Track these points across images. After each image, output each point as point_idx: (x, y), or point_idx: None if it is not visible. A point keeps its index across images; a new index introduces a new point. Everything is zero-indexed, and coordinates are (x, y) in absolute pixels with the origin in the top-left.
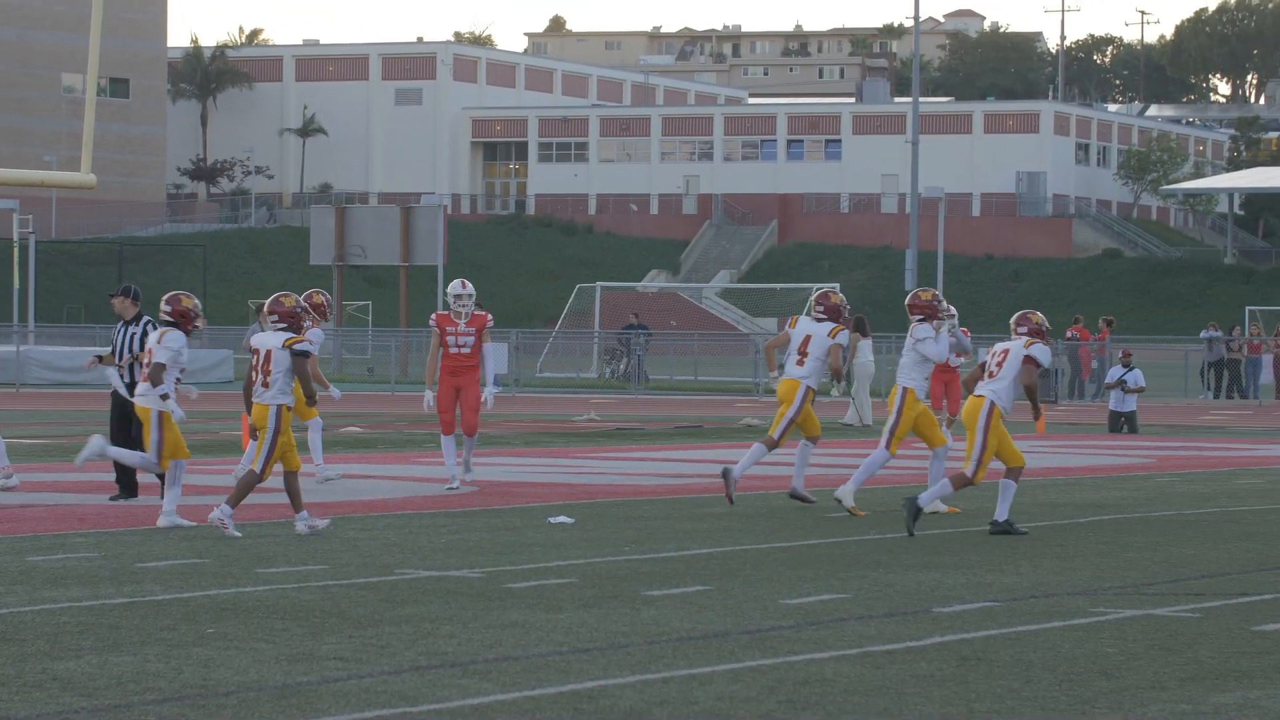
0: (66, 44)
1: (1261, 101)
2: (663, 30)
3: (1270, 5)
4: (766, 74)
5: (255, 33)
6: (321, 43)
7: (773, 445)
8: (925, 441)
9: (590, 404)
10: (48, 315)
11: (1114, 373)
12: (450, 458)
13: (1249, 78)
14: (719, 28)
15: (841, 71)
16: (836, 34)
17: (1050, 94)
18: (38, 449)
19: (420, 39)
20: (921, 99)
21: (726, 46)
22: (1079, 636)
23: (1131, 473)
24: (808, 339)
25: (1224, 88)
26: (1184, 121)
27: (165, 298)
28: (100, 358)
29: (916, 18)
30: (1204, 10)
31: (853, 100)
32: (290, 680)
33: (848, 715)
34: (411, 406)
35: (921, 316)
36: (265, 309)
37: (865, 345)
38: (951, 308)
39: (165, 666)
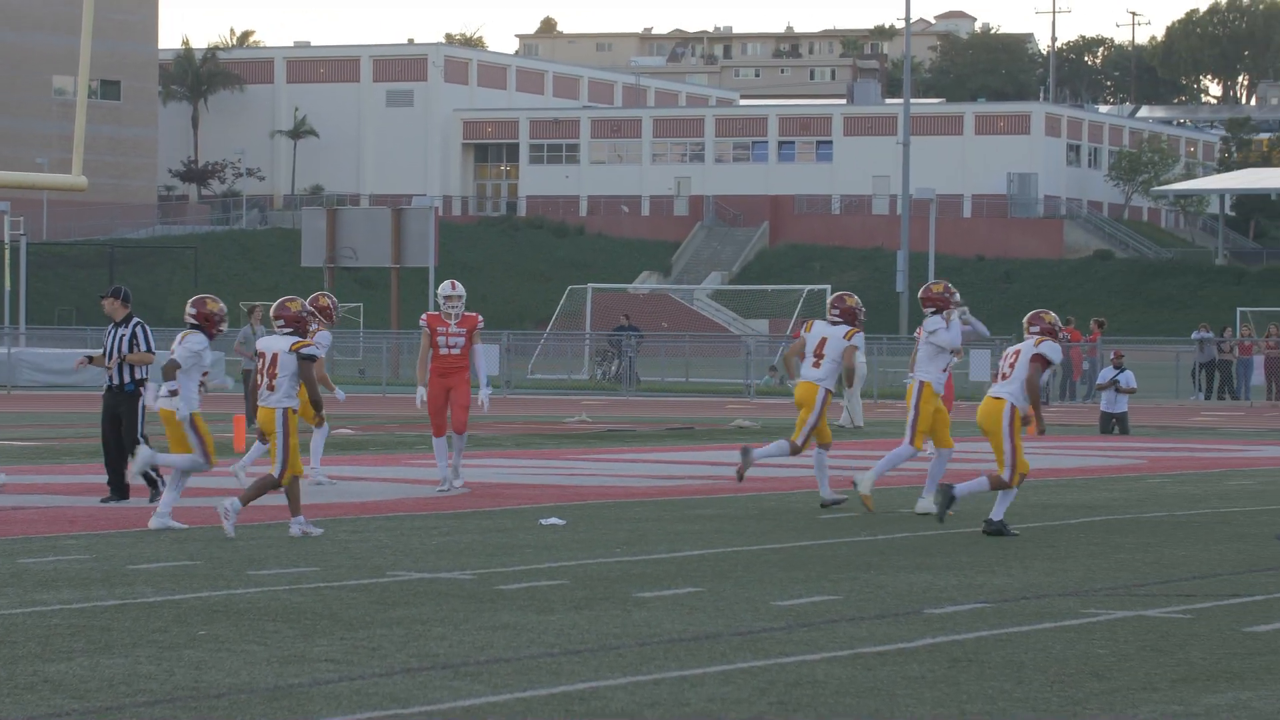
0: (57, 46)
1: (1252, 102)
2: (654, 32)
3: (1261, 6)
4: (758, 75)
5: (246, 34)
6: (312, 44)
7: (796, 450)
8: (933, 439)
9: (581, 405)
10: (38, 317)
11: (1106, 374)
12: (442, 460)
13: (1240, 79)
14: (710, 29)
15: (833, 73)
16: (827, 35)
17: (1041, 95)
18: (28, 451)
19: (411, 41)
20: (913, 100)
21: (718, 48)
22: (1070, 638)
23: (1123, 474)
24: (823, 341)
25: (1215, 89)
26: (1175, 123)
27: (191, 300)
28: (90, 358)
29: (908, 19)
30: (1195, 11)
31: (844, 101)
32: (282, 682)
33: (839, 717)
34: (403, 408)
35: (934, 309)
36: (271, 313)
37: None
38: (958, 294)
39: (157, 668)
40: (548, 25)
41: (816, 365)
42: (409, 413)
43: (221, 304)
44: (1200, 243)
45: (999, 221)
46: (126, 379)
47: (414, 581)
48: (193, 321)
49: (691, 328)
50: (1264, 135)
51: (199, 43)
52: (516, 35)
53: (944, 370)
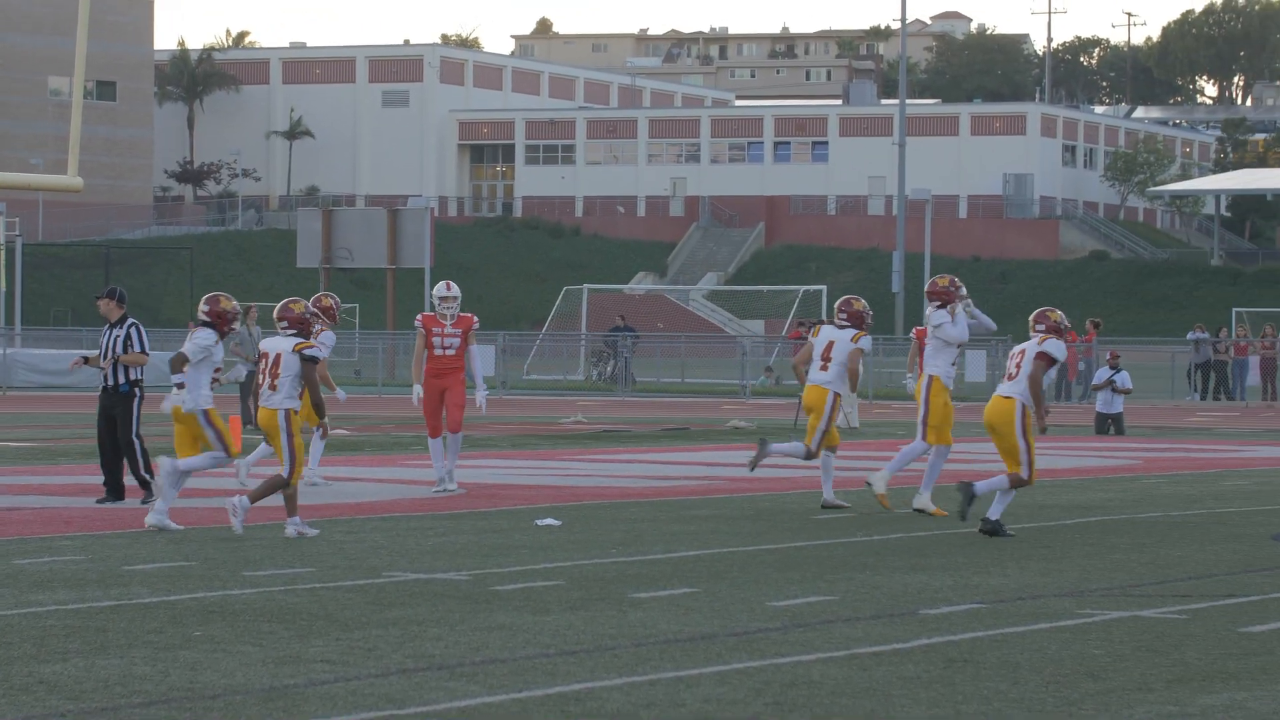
0: (52, 47)
1: (1248, 103)
2: (649, 32)
3: (1257, 7)
4: (753, 76)
5: (242, 35)
6: (308, 45)
7: (809, 455)
8: (936, 435)
9: (577, 406)
10: (34, 318)
11: (1101, 374)
12: (437, 460)
13: (1235, 79)
14: (706, 30)
15: (828, 74)
16: (823, 36)
17: (1037, 96)
18: (24, 452)
19: (407, 41)
20: (908, 101)
21: (713, 49)
22: (1066, 638)
23: (1118, 474)
24: (831, 344)
25: (1210, 89)
26: (1170, 123)
27: (205, 298)
28: (86, 359)
29: (904, 20)
30: (1191, 12)
31: (839, 102)
32: (277, 683)
33: (835, 717)
34: (398, 409)
35: (939, 303)
36: (274, 315)
37: None
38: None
39: (152, 669)
40: (543, 26)
41: (824, 369)
42: (405, 413)
43: (235, 303)
44: (1196, 243)
45: (995, 222)
46: (121, 380)
47: (409, 582)
48: (205, 318)
49: (687, 328)
50: (1259, 136)
51: (195, 43)
52: (512, 36)
53: (952, 364)
